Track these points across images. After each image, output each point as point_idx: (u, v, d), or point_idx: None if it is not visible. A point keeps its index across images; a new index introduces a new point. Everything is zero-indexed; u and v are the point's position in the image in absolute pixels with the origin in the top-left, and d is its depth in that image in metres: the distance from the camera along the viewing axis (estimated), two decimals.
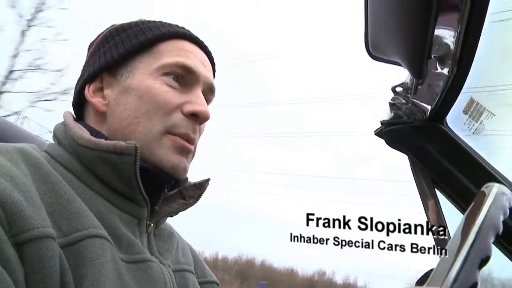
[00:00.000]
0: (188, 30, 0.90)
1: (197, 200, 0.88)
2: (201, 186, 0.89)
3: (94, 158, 0.75)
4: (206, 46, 0.91)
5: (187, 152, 0.82)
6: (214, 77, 0.93)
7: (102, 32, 0.91)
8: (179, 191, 0.88)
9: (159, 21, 0.90)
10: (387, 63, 1.00)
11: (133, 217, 0.77)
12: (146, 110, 0.79)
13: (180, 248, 0.92)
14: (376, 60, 1.01)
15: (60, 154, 0.77)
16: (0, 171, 0.62)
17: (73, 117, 0.86)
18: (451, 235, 0.52)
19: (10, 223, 0.57)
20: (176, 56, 0.83)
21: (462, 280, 0.43)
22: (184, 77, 0.83)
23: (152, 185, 0.80)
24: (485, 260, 0.46)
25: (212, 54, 0.93)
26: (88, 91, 0.85)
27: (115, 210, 0.75)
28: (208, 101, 0.89)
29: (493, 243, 0.48)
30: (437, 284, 0.43)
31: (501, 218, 0.50)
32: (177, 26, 0.90)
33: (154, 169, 0.78)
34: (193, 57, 0.85)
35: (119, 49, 0.85)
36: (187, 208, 0.87)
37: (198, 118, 0.82)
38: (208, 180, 0.90)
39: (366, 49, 0.99)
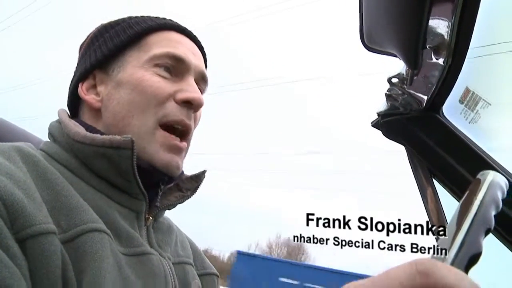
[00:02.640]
0: (175, 22, 0.90)
1: (194, 192, 0.89)
2: (198, 178, 0.90)
3: (90, 154, 0.75)
4: (195, 36, 0.91)
5: (179, 150, 0.82)
6: (206, 67, 0.93)
7: (92, 32, 0.92)
8: (176, 184, 0.89)
9: (147, 16, 0.91)
10: (383, 54, 1.00)
11: (131, 211, 0.78)
12: (138, 102, 0.80)
13: (179, 241, 0.92)
14: (372, 51, 1.01)
15: (56, 151, 0.77)
16: None
17: (68, 114, 0.87)
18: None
19: (12, 220, 0.58)
20: (165, 47, 0.84)
21: (467, 248, 0.43)
22: (175, 67, 0.84)
23: (149, 179, 0.80)
24: (488, 230, 0.46)
25: (202, 44, 0.94)
26: (82, 89, 0.86)
27: (113, 204, 0.75)
28: (201, 90, 0.90)
29: (491, 232, 0.48)
30: (444, 247, 0.43)
31: (500, 196, 0.50)
32: (164, 18, 0.91)
33: (148, 166, 0.79)
34: (182, 47, 0.86)
35: (109, 45, 0.86)
36: (185, 200, 0.88)
37: (191, 105, 0.82)
38: (204, 172, 0.91)
39: (361, 40, 0.99)
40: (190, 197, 0.88)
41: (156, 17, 0.90)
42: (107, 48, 0.86)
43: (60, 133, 0.79)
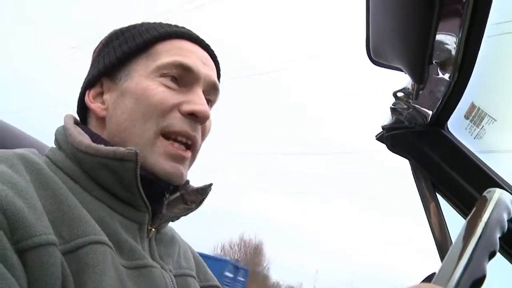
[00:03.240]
0: (187, 29, 0.88)
1: (199, 205, 0.88)
2: (203, 191, 0.88)
3: (94, 164, 0.74)
4: (208, 45, 0.89)
5: (182, 160, 0.80)
6: (219, 76, 0.91)
7: (104, 37, 0.90)
8: (181, 196, 0.88)
9: (158, 22, 0.89)
10: (389, 68, 1.01)
11: (134, 222, 0.77)
12: (142, 112, 0.78)
13: (182, 252, 0.91)
14: (378, 65, 1.01)
15: (61, 159, 0.76)
16: (1, 178, 0.62)
17: (75, 120, 0.86)
18: (453, 240, 0.52)
19: (12, 230, 0.57)
20: (174, 56, 0.82)
21: (470, 272, 0.43)
22: (182, 77, 0.81)
23: (153, 191, 0.79)
24: (493, 254, 0.46)
25: (215, 53, 0.91)
26: (88, 97, 0.85)
27: (116, 216, 0.74)
28: (211, 100, 0.88)
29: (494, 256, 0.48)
30: (446, 276, 0.43)
31: (506, 217, 0.50)
32: (176, 26, 0.88)
33: (151, 176, 0.77)
34: (191, 56, 0.83)
35: (117, 53, 0.84)
36: (189, 213, 0.86)
37: (197, 118, 0.80)
38: (210, 185, 0.89)
39: (367, 54, 0.99)
40: (195, 209, 0.87)
41: (167, 25, 0.88)
42: (115, 55, 0.84)
43: (65, 141, 0.78)
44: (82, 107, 0.88)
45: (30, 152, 0.74)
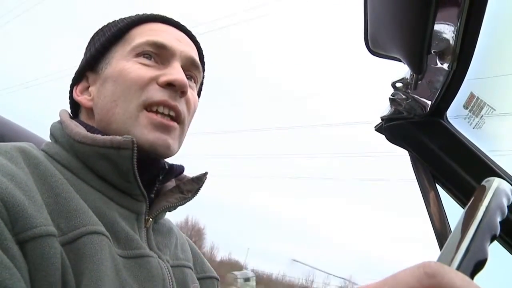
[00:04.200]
0: (161, 14, 0.90)
1: (195, 194, 0.88)
2: (199, 180, 0.89)
3: (91, 154, 0.75)
4: (183, 26, 0.91)
5: (167, 129, 0.80)
6: (202, 57, 0.93)
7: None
8: (177, 186, 0.89)
9: (135, 14, 0.91)
10: (387, 58, 1.00)
11: (131, 212, 0.77)
12: (121, 91, 0.80)
13: (180, 244, 0.92)
14: (376, 56, 1.01)
15: (58, 152, 0.77)
16: (1, 170, 0.62)
17: (69, 115, 0.87)
18: (452, 229, 0.52)
19: (13, 222, 0.58)
20: (146, 36, 0.84)
21: (472, 255, 0.43)
22: (158, 54, 0.83)
23: (148, 175, 0.80)
24: (494, 237, 0.46)
25: (192, 33, 0.92)
26: (76, 92, 0.88)
27: (113, 205, 0.75)
28: (193, 77, 0.89)
29: (496, 239, 0.48)
30: (448, 259, 0.43)
31: (506, 203, 0.50)
32: (151, 13, 0.91)
33: (143, 162, 0.77)
34: (165, 35, 0.85)
35: (96, 46, 0.87)
36: (186, 202, 0.87)
37: (175, 87, 0.81)
38: (205, 174, 0.90)
39: (365, 45, 0.99)
40: (191, 199, 0.88)
41: (142, 13, 0.90)
42: (95, 48, 0.87)
43: (61, 133, 0.79)
44: (73, 104, 0.91)
45: (29, 146, 0.75)
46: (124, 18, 0.89)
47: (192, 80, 0.89)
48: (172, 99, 0.81)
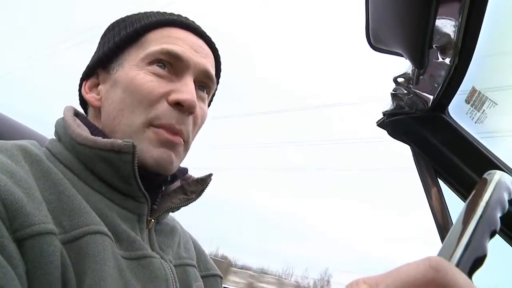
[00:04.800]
0: (180, 16, 0.86)
1: (199, 196, 0.87)
2: (203, 182, 0.88)
3: (92, 156, 0.74)
4: (203, 32, 0.87)
5: (172, 145, 0.79)
6: (218, 65, 0.90)
7: (104, 30, 0.91)
8: (181, 186, 0.88)
9: (153, 12, 0.87)
10: (389, 53, 1.00)
11: (133, 214, 0.77)
12: (130, 102, 0.78)
13: (183, 243, 0.91)
14: (378, 51, 1.01)
15: (60, 151, 0.77)
16: (0, 168, 0.62)
17: (75, 111, 0.86)
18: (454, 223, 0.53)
19: (11, 219, 0.57)
20: (162, 44, 0.80)
21: (472, 251, 0.43)
22: (172, 64, 0.80)
23: (151, 181, 0.79)
24: (494, 232, 0.46)
25: (212, 40, 0.88)
26: (84, 88, 0.86)
27: (114, 207, 0.74)
28: (206, 87, 0.86)
29: (497, 233, 0.48)
30: (448, 254, 0.43)
31: (506, 198, 0.50)
32: (170, 14, 0.87)
33: (146, 171, 0.77)
34: (181, 43, 0.81)
35: (110, 44, 0.84)
36: (189, 203, 0.86)
37: (183, 108, 0.78)
38: (210, 175, 0.89)
39: (367, 40, 0.99)
40: (195, 200, 0.86)
41: (161, 13, 0.86)
42: (109, 46, 0.84)
43: (64, 133, 0.78)
44: (81, 99, 0.89)
45: (30, 144, 0.74)
46: (141, 17, 0.85)
47: (205, 91, 0.87)
48: (179, 123, 0.79)
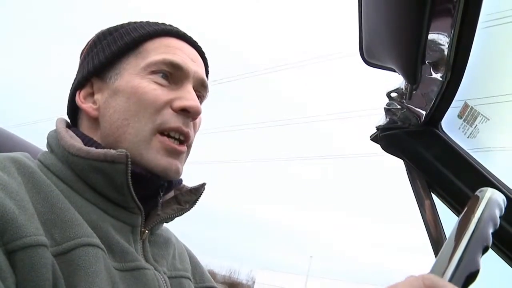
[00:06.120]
0: (175, 27, 0.89)
1: (193, 205, 0.87)
2: (197, 191, 0.88)
3: (85, 167, 0.74)
4: (195, 42, 0.89)
5: (178, 154, 0.81)
6: (207, 73, 0.92)
7: (91, 38, 0.90)
8: (174, 196, 0.88)
9: (146, 21, 0.89)
10: (382, 69, 1.01)
11: (126, 225, 0.77)
12: (135, 111, 0.79)
13: (178, 254, 0.91)
14: (371, 66, 1.02)
15: (53, 163, 0.76)
16: None
17: (67, 123, 0.86)
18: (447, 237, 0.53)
19: (2, 231, 0.57)
20: (163, 54, 0.82)
21: (464, 267, 0.43)
22: (173, 74, 0.82)
23: (146, 191, 0.79)
24: (486, 248, 0.46)
25: (203, 50, 0.92)
26: (79, 98, 0.85)
27: (108, 218, 0.74)
28: (201, 97, 0.89)
29: (490, 247, 0.48)
30: (440, 270, 0.43)
31: (498, 214, 0.50)
32: (164, 24, 0.89)
33: (146, 173, 0.77)
34: (180, 53, 0.84)
35: (106, 52, 0.85)
36: (183, 213, 0.86)
37: (189, 114, 0.81)
38: (204, 184, 0.89)
39: (360, 55, 1.00)
40: (189, 210, 0.87)
41: (155, 23, 0.88)
42: (104, 55, 0.84)
43: (56, 144, 0.78)
44: (73, 109, 0.88)
45: (23, 156, 0.74)
46: (137, 26, 0.87)
47: (200, 100, 0.89)
48: (186, 126, 0.81)
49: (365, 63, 1.01)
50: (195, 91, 0.85)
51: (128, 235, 0.76)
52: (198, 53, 0.90)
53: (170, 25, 0.89)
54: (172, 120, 0.79)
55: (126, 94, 0.80)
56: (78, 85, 0.86)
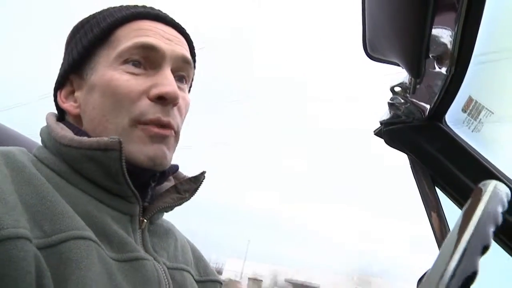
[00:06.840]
0: (148, 8, 0.84)
1: (193, 195, 0.85)
2: (197, 180, 0.86)
3: (78, 157, 0.73)
4: (172, 20, 0.84)
5: (164, 139, 0.77)
6: (193, 49, 0.88)
7: (69, 32, 0.87)
8: (174, 185, 0.86)
9: (119, 6, 0.85)
10: (385, 63, 1.01)
11: (124, 214, 0.75)
12: (111, 106, 0.76)
13: (180, 246, 0.89)
14: (374, 60, 1.01)
15: (46, 156, 0.75)
16: None
17: (57, 117, 0.84)
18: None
19: None
20: (133, 38, 0.78)
21: (463, 268, 0.43)
22: (147, 57, 0.78)
23: (140, 180, 0.77)
24: (486, 248, 0.46)
25: (183, 27, 0.86)
26: (60, 97, 0.84)
27: (104, 208, 0.73)
28: (185, 77, 0.85)
29: (493, 239, 0.48)
30: (440, 270, 0.43)
31: (500, 210, 0.50)
32: (135, 6, 0.84)
33: (134, 168, 0.75)
34: (152, 34, 0.79)
35: (78, 48, 0.82)
36: (183, 202, 0.84)
37: (166, 101, 0.76)
38: (203, 173, 0.87)
39: (364, 50, 1.00)
40: (189, 199, 0.84)
41: (126, 7, 0.83)
42: (77, 51, 0.81)
43: (48, 138, 0.77)
44: (58, 108, 0.86)
45: (17, 150, 0.73)
46: (107, 15, 0.82)
47: (184, 81, 0.84)
48: (165, 115, 0.77)
49: (369, 57, 1.01)
50: (176, 71, 0.81)
51: (126, 224, 0.75)
52: (179, 32, 0.85)
53: (143, 6, 0.84)
54: (150, 111, 0.76)
55: (101, 89, 0.77)
56: (59, 85, 0.85)
